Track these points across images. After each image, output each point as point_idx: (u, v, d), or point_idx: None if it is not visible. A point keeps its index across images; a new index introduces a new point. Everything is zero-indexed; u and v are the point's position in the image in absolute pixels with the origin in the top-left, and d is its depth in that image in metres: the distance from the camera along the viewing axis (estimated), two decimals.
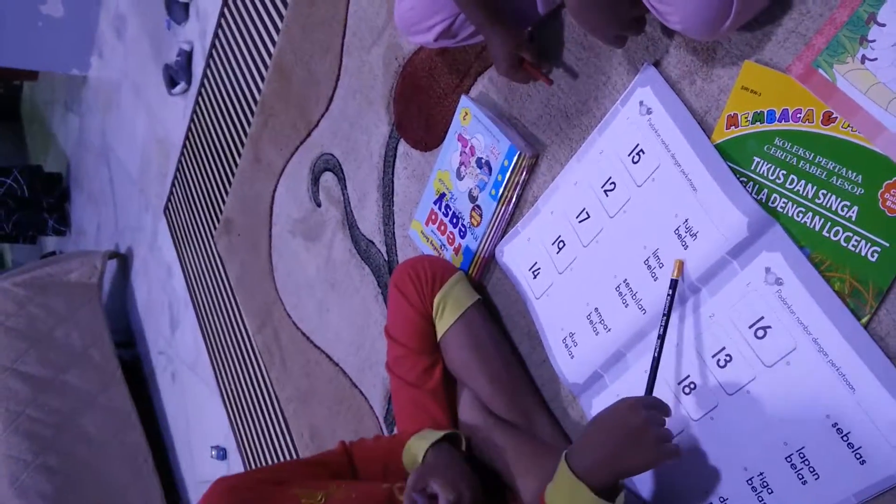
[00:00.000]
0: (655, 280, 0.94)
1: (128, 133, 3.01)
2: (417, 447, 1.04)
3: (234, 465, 2.22)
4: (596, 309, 1.03)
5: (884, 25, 0.72)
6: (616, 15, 0.83)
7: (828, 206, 0.78)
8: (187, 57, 2.35)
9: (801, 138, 0.80)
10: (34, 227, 3.90)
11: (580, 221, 1.05)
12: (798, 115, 0.81)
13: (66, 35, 3.29)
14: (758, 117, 0.84)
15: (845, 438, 0.77)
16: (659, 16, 0.80)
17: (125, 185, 3.09)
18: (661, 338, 0.90)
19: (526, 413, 1.10)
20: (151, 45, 2.69)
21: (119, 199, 3.19)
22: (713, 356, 0.89)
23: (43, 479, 2.46)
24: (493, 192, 1.17)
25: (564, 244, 1.08)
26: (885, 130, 0.73)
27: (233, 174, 2.12)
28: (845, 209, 0.77)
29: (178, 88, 2.40)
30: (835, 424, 0.78)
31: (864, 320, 0.76)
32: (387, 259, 1.51)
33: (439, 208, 1.29)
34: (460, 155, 1.23)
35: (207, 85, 2.25)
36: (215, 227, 2.25)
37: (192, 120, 2.37)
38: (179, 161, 2.49)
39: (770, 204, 0.83)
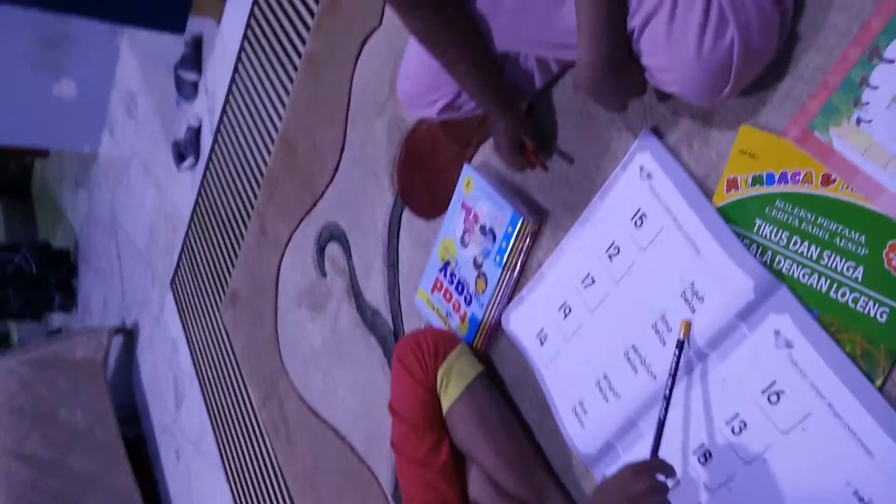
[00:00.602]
0: (664, 345, 0.93)
1: (136, 208, 3.05)
2: None
3: None
4: (605, 375, 1.01)
5: (877, 88, 0.74)
6: (629, 85, 0.85)
7: (833, 266, 0.78)
8: (196, 133, 2.40)
9: (801, 200, 0.81)
10: (41, 305, 3.90)
11: (585, 287, 1.04)
12: (797, 177, 0.81)
13: (79, 114, 3.36)
14: (757, 180, 0.84)
15: None
16: (657, 84, 0.81)
17: (132, 260, 3.11)
18: (668, 399, 0.88)
19: (536, 489, 1.07)
20: (161, 122, 2.75)
21: (126, 274, 3.21)
22: (727, 423, 0.86)
23: None
24: (498, 258, 1.17)
25: (571, 310, 1.07)
26: (885, 191, 0.73)
27: (239, 246, 2.13)
28: (850, 270, 0.76)
29: (186, 163, 2.45)
30: (856, 492, 0.75)
31: (878, 383, 0.74)
32: (392, 328, 1.50)
33: (444, 276, 1.29)
34: (464, 222, 1.24)
35: (215, 159, 2.29)
36: (221, 300, 2.25)
37: (199, 194, 2.40)
38: (187, 234, 2.51)
39: (775, 266, 0.83)
